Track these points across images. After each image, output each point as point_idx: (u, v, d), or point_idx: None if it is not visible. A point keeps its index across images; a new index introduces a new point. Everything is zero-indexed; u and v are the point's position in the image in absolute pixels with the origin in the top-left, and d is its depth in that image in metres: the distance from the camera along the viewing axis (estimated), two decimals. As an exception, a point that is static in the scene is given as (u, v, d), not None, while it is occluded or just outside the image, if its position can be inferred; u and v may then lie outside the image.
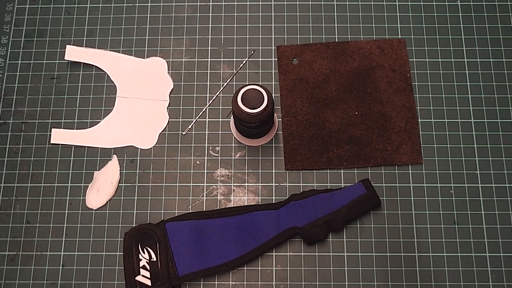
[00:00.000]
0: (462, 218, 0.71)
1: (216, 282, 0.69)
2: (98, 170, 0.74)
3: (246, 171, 0.73)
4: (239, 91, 0.65)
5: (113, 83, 0.77)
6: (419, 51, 0.78)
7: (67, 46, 0.78)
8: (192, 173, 0.73)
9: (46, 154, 0.74)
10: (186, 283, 0.69)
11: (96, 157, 0.74)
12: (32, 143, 0.75)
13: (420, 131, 0.74)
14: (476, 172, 0.72)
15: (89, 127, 0.76)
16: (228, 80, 0.77)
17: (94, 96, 0.77)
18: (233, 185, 0.73)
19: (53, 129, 0.75)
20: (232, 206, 0.72)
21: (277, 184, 0.73)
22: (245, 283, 0.69)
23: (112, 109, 0.76)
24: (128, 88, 0.77)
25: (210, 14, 0.80)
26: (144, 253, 0.68)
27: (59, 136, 0.75)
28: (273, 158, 0.74)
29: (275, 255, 0.70)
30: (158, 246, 0.68)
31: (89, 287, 0.69)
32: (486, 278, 0.68)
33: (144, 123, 0.75)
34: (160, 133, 0.75)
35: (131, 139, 0.75)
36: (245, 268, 0.69)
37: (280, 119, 0.75)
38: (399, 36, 0.78)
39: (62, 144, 0.75)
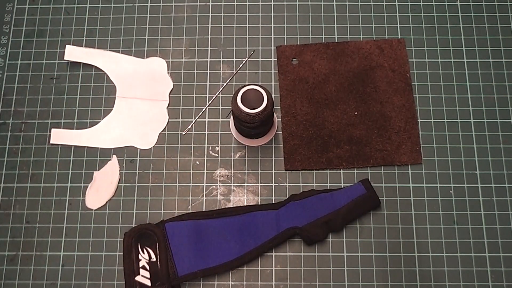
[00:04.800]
0: (462, 218, 0.71)
1: (215, 282, 0.69)
2: (98, 170, 0.74)
3: (246, 171, 0.73)
4: (239, 91, 0.65)
5: (113, 83, 0.77)
6: (418, 51, 0.78)
7: (67, 46, 0.78)
8: (191, 173, 0.73)
9: (46, 154, 0.74)
10: (186, 283, 0.69)
11: (96, 157, 0.74)
12: (31, 143, 0.75)
13: (419, 131, 0.74)
14: (476, 172, 0.72)
15: (89, 127, 0.76)
16: (228, 80, 0.77)
17: (94, 96, 0.77)
18: (233, 185, 0.73)
19: (52, 129, 0.75)
20: (231, 206, 0.72)
21: (277, 184, 0.73)
22: (244, 283, 0.69)
23: (112, 109, 0.76)
24: (127, 88, 0.77)
25: (210, 14, 0.80)
26: (143, 253, 0.68)
27: (59, 136, 0.75)
28: (273, 158, 0.74)
29: (274, 255, 0.70)
30: (157, 246, 0.68)
31: (88, 287, 0.69)
32: (486, 278, 0.68)
33: (144, 123, 0.75)
34: (159, 133, 0.75)
35: (130, 139, 0.75)
36: (244, 268, 0.69)
37: (280, 119, 0.75)
38: (399, 36, 0.78)
39: (61, 144, 0.75)
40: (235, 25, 0.80)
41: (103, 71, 0.78)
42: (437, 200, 0.71)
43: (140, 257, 0.68)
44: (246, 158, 0.74)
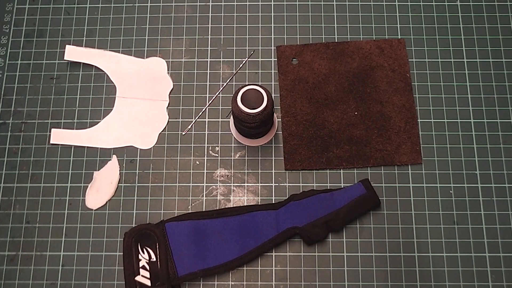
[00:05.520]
0: (462, 218, 0.71)
1: (215, 282, 0.69)
2: (98, 170, 0.74)
3: (246, 171, 0.73)
4: (239, 91, 0.65)
5: (113, 83, 0.77)
6: (418, 51, 0.78)
7: (67, 46, 0.78)
8: (191, 173, 0.73)
9: (46, 154, 0.74)
10: (186, 283, 0.69)
11: (96, 157, 0.74)
12: (31, 143, 0.75)
13: (419, 131, 0.74)
14: (476, 172, 0.72)
15: (89, 127, 0.76)
16: (228, 80, 0.77)
17: (94, 96, 0.77)
18: (233, 185, 0.73)
19: (52, 129, 0.75)
20: (231, 206, 0.72)
21: (277, 184, 0.73)
22: (244, 283, 0.69)
23: (112, 109, 0.76)
24: (127, 88, 0.77)
25: (210, 14, 0.80)
26: (143, 253, 0.68)
27: (59, 136, 0.75)
28: (273, 158, 0.74)
29: (274, 255, 0.70)
30: (157, 246, 0.68)
31: (88, 287, 0.69)
32: (486, 278, 0.68)
33: (144, 123, 0.75)
34: (159, 133, 0.75)
35: (130, 139, 0.75)
36: (244, 268, 0.69)
37: (280, 119, 0.75)
38: (399, 36, 0.78)
39: (61, 144, 0.75)
40: (235, 25, 0.80)
41: (103, 71, 0.78)
42: (437, 200, 0.71)
43: (140, 257, 0.68)
44: (246, 158, 0.74)
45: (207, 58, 0.78)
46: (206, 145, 0.75)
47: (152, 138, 0.75)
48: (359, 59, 0.77)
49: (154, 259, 0.68)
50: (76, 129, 0.76)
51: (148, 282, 0.67)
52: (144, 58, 0.79)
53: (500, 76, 0.76)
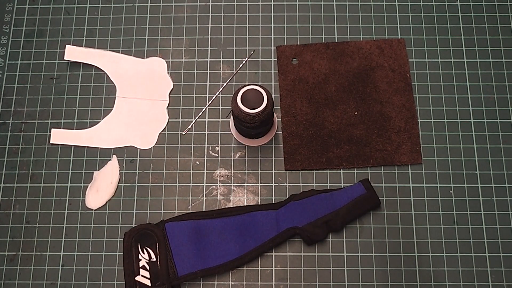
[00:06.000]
0: (462, 218, 0.71)
1: (215, 282, 0.69)
2: (98, 170, 0.74)
3: (246, 171, 0.73)
4: (239, 91, 0.65)
5: (113, 83, 0.77)
6: (418, 51, 0.78)
7: (67, 46, 0.78)
8: (191, 173, 0.73)
9: (46, 154, 0.74)
10: (186, 283, 0.69)
11: (96, 157, 0.74)
12: (31, 143, 0.75)
13: (419, 131, 0.74)
14: (476, 172, 0.72)
15: (89, 127, 0.76)
16: (228, 80, 0.77)
17: (94, 96, 0.77)
18: (233, 185, 0.73)
19: (52, 129, 0.75)
20: (231, 206, 0.72)
21: (277, 184, 0.73)
22: (244, 283, 0.69)
23: (112, 109, 0.76)
24: (127, 88, 0.77)
25: (210, 14, 0.80)
26: (143, 253, 0.68)
27: (59, 136, 0.75)
28: (273, 158, 0.74)
29: (274, 255, 0.70)
30: (157, 246, 0.68)
31: (88, 287, 0.69)
32: (486, 278, 0.68)
33: (144, 123, 0.75)
34: (159, 133, 0.75)
35: (130, 139, 0.75)
36: (244, 268, 0.69)
37: (280, 119, 0.75)
38: (399, 36, 0.78)
39: (61, 144, 0.75)
40: (235, 25, 0.80)
41: (103, 71, 0.78)
42: (437, 200, 0.71)
43: (140, 257, 0.68)
44: (246, 158, 0.74)
45: (207, 58, 0.78)
46: (206, 145, 0.75)
47: (152, 138, 0.75)
48: (359, 59, 0.77)
49: (154, 259, 0.68)
50: (76, 129, 0.76)
51: (148, 282, 0.67)
52: (144, 58, 0.79)
53: (500, 76, 0.76)
